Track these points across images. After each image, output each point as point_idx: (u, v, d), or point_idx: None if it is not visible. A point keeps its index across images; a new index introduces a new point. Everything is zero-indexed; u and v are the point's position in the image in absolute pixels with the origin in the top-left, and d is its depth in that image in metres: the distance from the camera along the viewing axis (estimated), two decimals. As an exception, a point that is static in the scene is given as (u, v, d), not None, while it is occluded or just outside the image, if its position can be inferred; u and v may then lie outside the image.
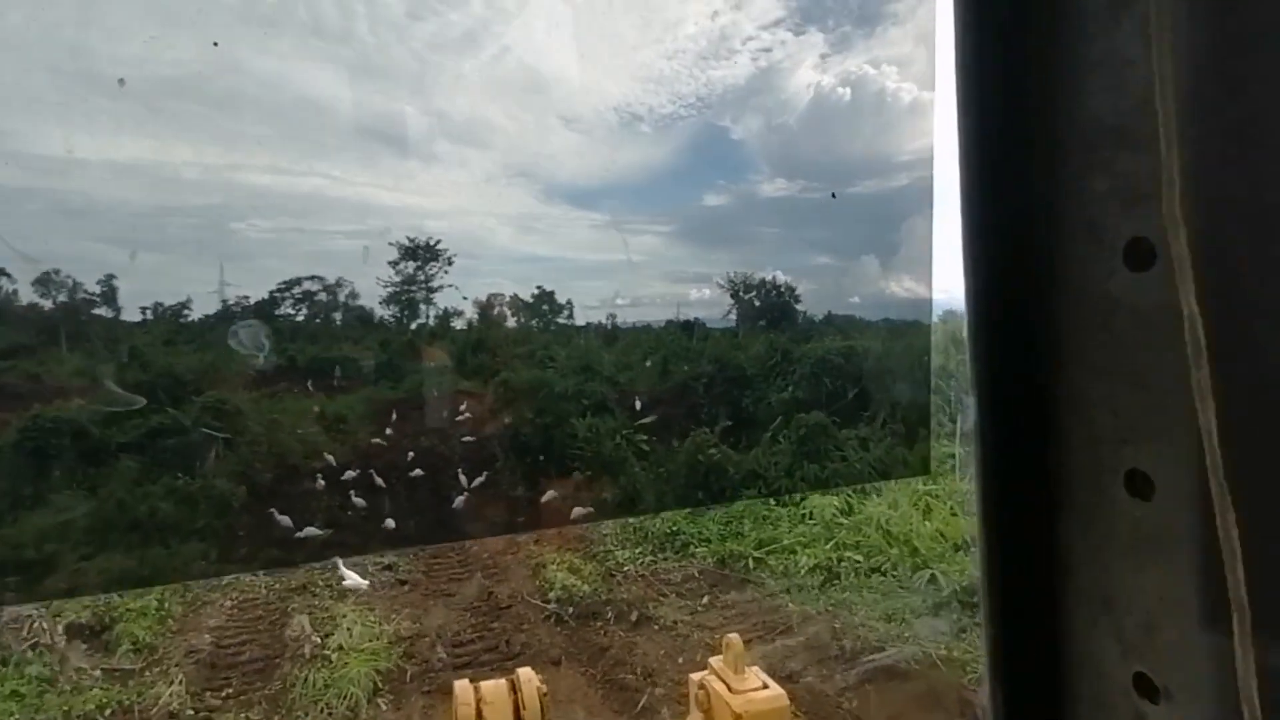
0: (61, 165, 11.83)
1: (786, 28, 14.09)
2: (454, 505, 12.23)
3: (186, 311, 16.53)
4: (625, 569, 9.32)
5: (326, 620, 7.94)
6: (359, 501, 12.44)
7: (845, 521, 9.13)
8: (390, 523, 10.86)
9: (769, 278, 17.16)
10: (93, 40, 10.36)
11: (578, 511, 10.60)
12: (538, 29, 13.34)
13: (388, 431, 16.78)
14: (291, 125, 13.20)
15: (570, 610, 7.92)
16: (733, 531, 9.79)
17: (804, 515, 9.67)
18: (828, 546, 8.70)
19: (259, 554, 10.00)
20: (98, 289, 15.01)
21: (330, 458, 14.32)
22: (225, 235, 14.91)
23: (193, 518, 10.92)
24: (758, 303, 18.04)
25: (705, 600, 8.16)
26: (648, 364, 17.79)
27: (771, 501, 10.29)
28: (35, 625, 6.69)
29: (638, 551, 9.73)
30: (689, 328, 18.47)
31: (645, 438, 13.09)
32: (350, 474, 13.98)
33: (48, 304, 14.59)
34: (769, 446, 11.56)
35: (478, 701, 1.61)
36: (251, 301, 17.80)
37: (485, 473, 13.88)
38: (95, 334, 14.64)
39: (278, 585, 9.10)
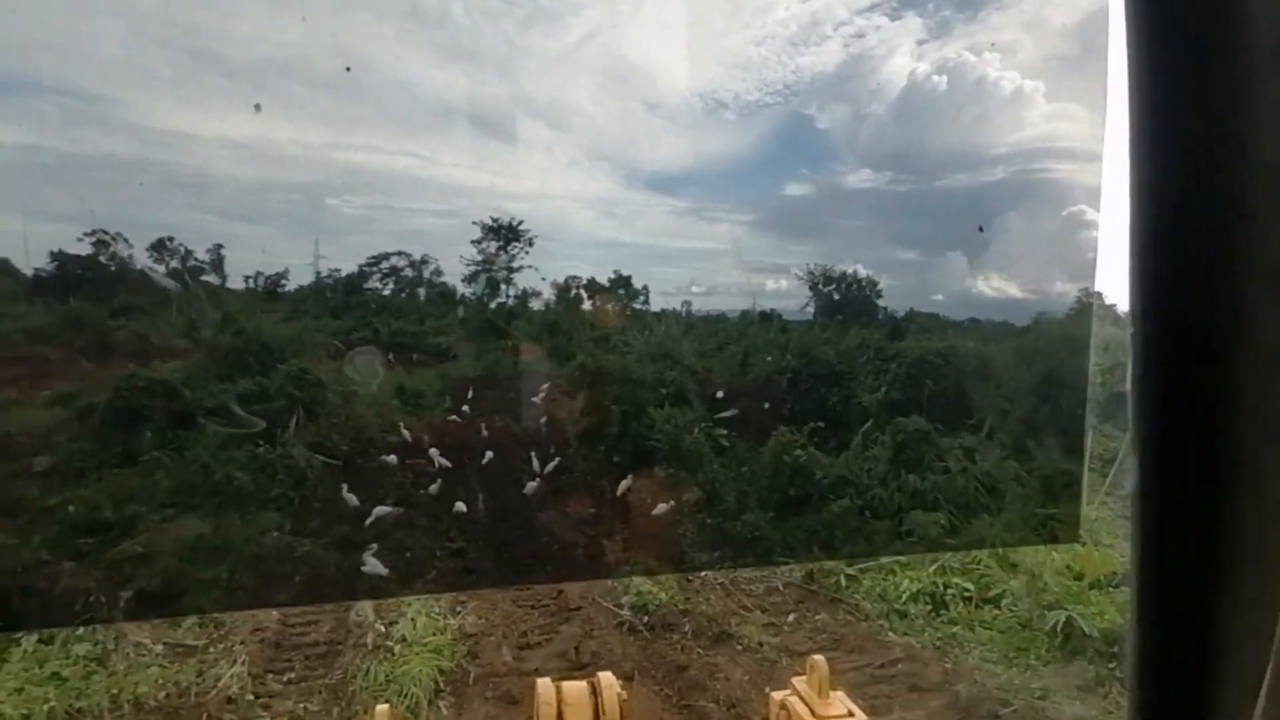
0: (176, 139, 12.56)
1: (882, 12, 13.45)
2: (525, 490, 11.76)
3: (284, 282, 17.67)
4: (703, 573, 8.57)
5: (391, 607, 7.51)
6: (430, 480, 12.14)
7: (951, 541, 8.10)
8: (461, 506, 10.42)
9: (850, 271, 16.69)
10: (207, 20, 10.62)
11: (661, 508, 9.89)
12: (625, 13, 13.37)
13: (464, 409, 16.55)
14: (386, 106, 13.44)
15: (645, 619, 7.24)
16: (820, 542, 8.90)
17: (902, 530, 8.69)
18: (931, 569, 7.72)
19: (330, 529, 9.72)
20: (206, 257, 16.29)
21: (406, 433, 14.13)
22: (321, 210, 15.78)
23: (269, 486, 10.79)
24: (837, 296, 17.55)
25: (791, 618, 7.33)
26: (727, 354, 16.97)
27: (866, 513, 9.33)
28: (92, 599, 6.45)
29: (715, 555, 8.97)
30: (766, 319, 18.23)
31: (724, 432, 12.28)
32: (424, 451, 13.77)
33: (161, 269, 15.59)
34: (861, 451, 10.55)
35: (559, 702, 1.55)
36: (342, 274, 19.25)
37: (558, 458, 13.40)
38: (200, 300, 15.14)
39: (345, 564, 8.77)
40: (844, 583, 7.93)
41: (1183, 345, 0.74)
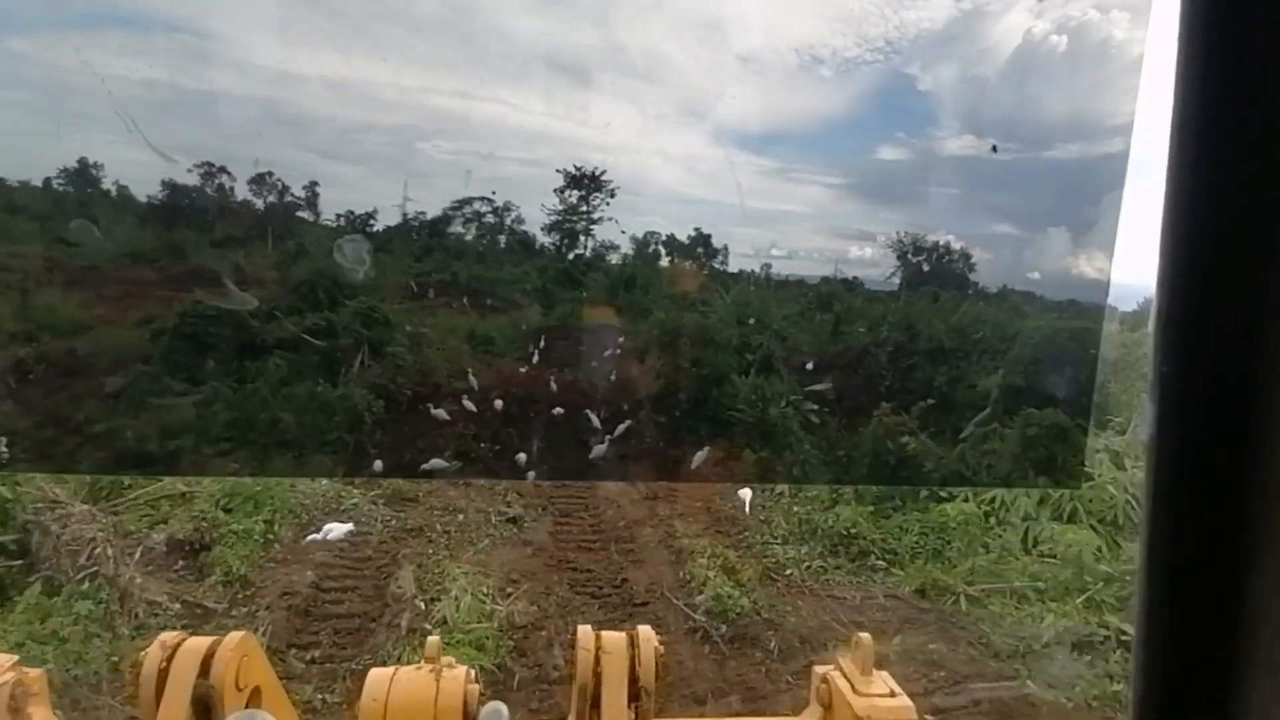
0: (279, 77, 12.47)
1: None
2: (592, 453, 10.63)
3: (372, 222, 17.77)
4: (788, 572, 7.22)
5: (435, 580, 6.49)
6: (492, 434, 11.16)
7: (1106, 569, 6.43)
8: (521, 456, 9.35)
9: (942, 242, 15.40)
10: None
11: (745, 494, 8.55)
12: None
13: (533, 359, 15.54)
14: (480, 52, 13.41)
15: (722, 629, 5.96)
16: (931, 548, 7.37)
17: (1039, 547, 7.06)
18: (1080, 601, 6.11)
19: (380, 482, 8.81)
20: (302, 194, 16.60)
21: (473, 379, 13.19)
22: (412, 154, 15.59)
23: (326, 427, 10.00)
24: (926, 267, 16.22)
25: (898, 644, 5.91)
26: (815, 321, 15.31)
27: (990, 520, 7.71)
28: (98, 550, 5.61)
29: (804, 551, 7.58)
30: (849, 287, 16.86)
31: (815, 407, 10.75)
32: (490, 401, 12.82)
33: (259, 203, 15.87)
34: (979, 442, 8.86)
35: (598, 649, 1.41)
36: (428, 217, 19.57)
37: (629, 420, 12.20)
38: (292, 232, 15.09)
39: (394, 521, 7.82)
40: (964, 605, 6.41)
41: (1207, 350, 0.69)
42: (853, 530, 7.82)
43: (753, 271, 17.58)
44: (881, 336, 12.90)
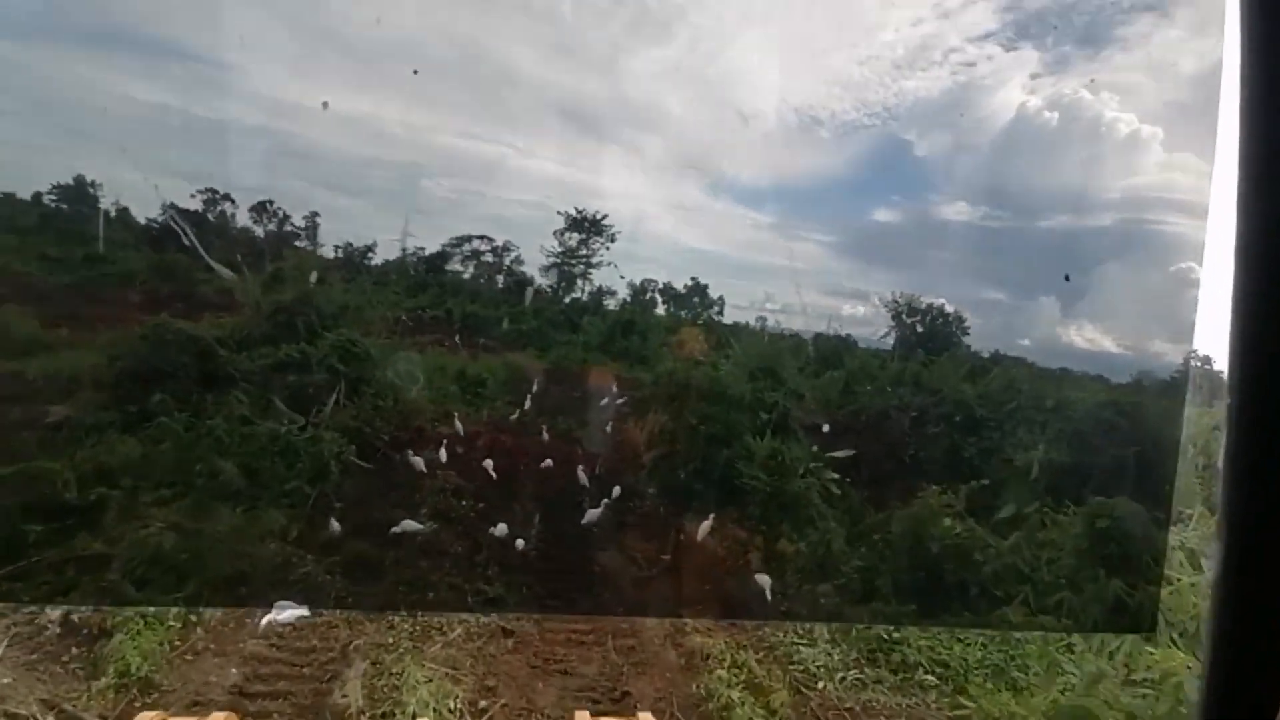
0: (291, 110, 12.83)
1: (997, 42, 12.43)
2: (585, 518, 9.31)
3: (370, 255, 18.17)
4: (821, 686, 5.87)
5: (391, 685, 5.11)
6: (475, 490, 9.81)
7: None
8: (502, 528, 7.99)
9: (936, 304, 15.53)
10: (332, 1, 10.97)
11: (762, 580, 7.24)
12: (730, 22, 12.90)
13: (525, 405, 14.27)
14: (486, 95, 13.69)
15: (752, 774, 4.62)
16: (994, 665, 6.06)
17: (1143, 679, 5.77)
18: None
19: (343, 546, 7.43)
20: (302, 223, 16.87)
21: (459, 425, 11.88)
22: (415, 190, 15.93)
23: (285, 476, 8.63)
24: (920, 329, 16.28)
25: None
26: (826, 379, 14.20)
27: (1060, 630, 6.42)
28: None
29: (837, 659, 6.25)
30: (844, 343, 16.37)
31: (835, 476, 9.51)
32: (475, 450, 11.49)
33: (259, 230, 16.08)
34: (1032, 532, 7.60)
35: None
36: (426, 253, 19.49)
37: (629, 479, 10.90)
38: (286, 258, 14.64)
39: (350, 598, 6.45)
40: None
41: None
42: (894, 634, 6.51)
43: (748, 324, 17.43)
44: (904, 400, 11.75)
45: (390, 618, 6.18)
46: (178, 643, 5.28)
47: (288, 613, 5.78)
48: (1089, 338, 12.41)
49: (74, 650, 5.14)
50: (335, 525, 7.48)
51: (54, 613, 5.49)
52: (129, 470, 8.28)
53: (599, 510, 9.11)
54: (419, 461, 9.58)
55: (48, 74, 12.42)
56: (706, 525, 8.74)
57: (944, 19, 12.55)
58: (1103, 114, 12.73)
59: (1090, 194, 12.88)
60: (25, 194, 15.36)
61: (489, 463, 10.20)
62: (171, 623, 5.32)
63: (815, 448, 9.94)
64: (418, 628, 6.11)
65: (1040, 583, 6.86)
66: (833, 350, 17.24)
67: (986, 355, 14.57)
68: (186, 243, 13.33)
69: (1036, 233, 13.66)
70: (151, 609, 5.23)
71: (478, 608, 6.49)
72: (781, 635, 6.66)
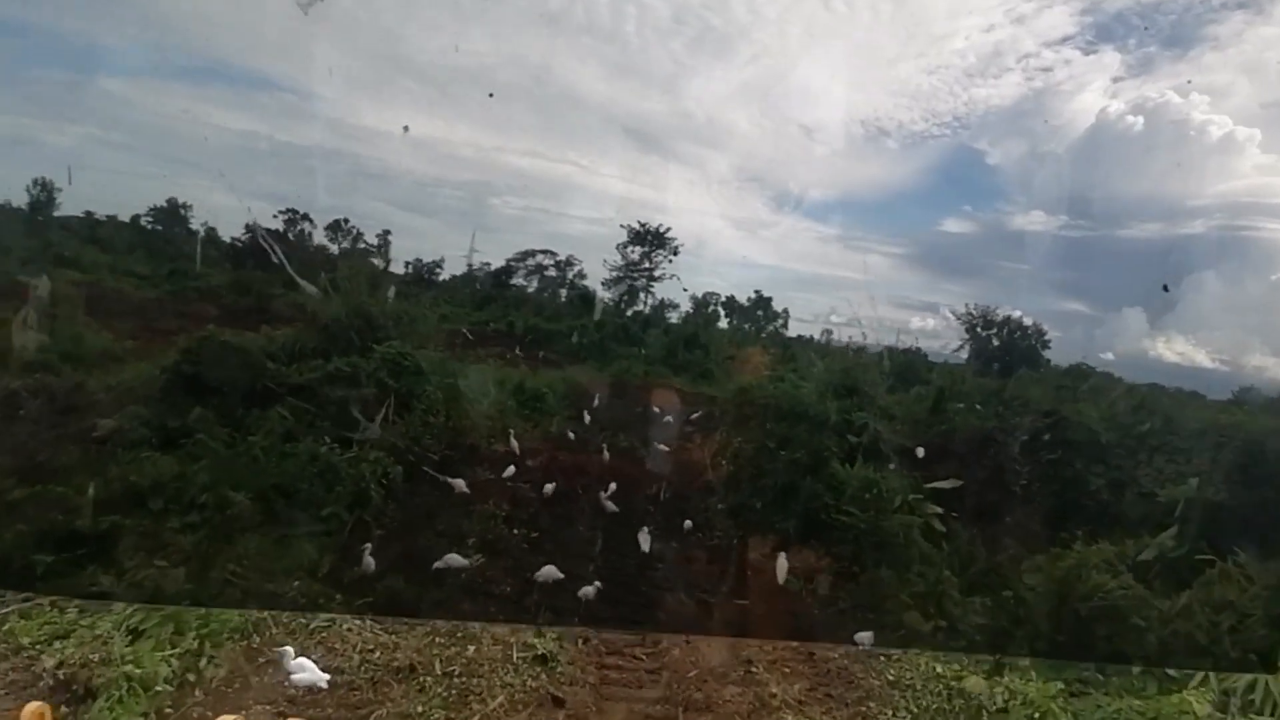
0: (368, 134, 14.04)
1: (1075, 45, 12.46)
2: (646, 549, 8.15)
3: (438, 270, 18.87)
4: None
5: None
6: (529, 518, 8.78)
7: None
8: (552, 573, 6.88)
9: (1013, 316, 14.82)
10: (409, 30, 11.31)
11: (865, 639, 5.91)
12: (794, 36, 13.68)
13: (585, 420, 13.26)
14: (553, 116, 14.63)
15: None
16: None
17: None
18: None
19: (376, 585, 6.47)
20: (375, 241, 17.56)
21: (515, 443, 10.93)
22: (483, 209, 16.96)
23: (323, 499, 7.78)
24: (996, 342, 15.45)
25: None
26: (913, 395, 12.72)
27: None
28: None
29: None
30: (914, 357, 15.73)
31: (938, 511, 8.06)
32: (529, 471, 10.50)
33: (334, 248, 16.74)
34: (1207, 590, 5.98)
35: None
36: (492, 268, 20.02)
37: (698, 507, 9.68)
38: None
39: (377, 653, 5.45)
40: None
41: None
42: (1031, 706, 5.10)
43: (813, 337, 17.07)
44: (1008, 420, 10.16)
45: (422, 679, 5.15)
46: (168, 710, 4.37)
47: (305, 674, 4.81)
48: (1179, 351, 11.62)
49: (63, 709, 4.30)
50: (369, 560, 6.52)
51: (48, 661, 4.70)
52: (160, 491, 7.60)
53: (665, 542, 7.95)
54: (460, 484, 8.63)
55: (145, 105, 13.97)
56: (782, 564, 7.44)
57: (1018, 24, 12.55)
58: (1192, 116, 12.53)
59: (1180, 200, 12.84)
60: (125, 217, 16.82)
61: (550, 487, 9.19)
62: (163, 686, 4.42)
63: (912, 476, 8.54)
64: (453, 692, 5.05)
65: (1223, 656, 5.29)
66: (908, 365, 15.80)
67: (1065, 369, 13.43)
68: (275, 260, 13.45)
69: (1120, 241, 13.40)
70: (139, 670, 4.36)
71: (523, 668, 5.39)
72: (889, 712, 5.33)
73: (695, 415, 12.52)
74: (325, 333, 11.28)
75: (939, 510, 7.99)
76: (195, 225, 17.76)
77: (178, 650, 4.69)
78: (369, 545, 6.72)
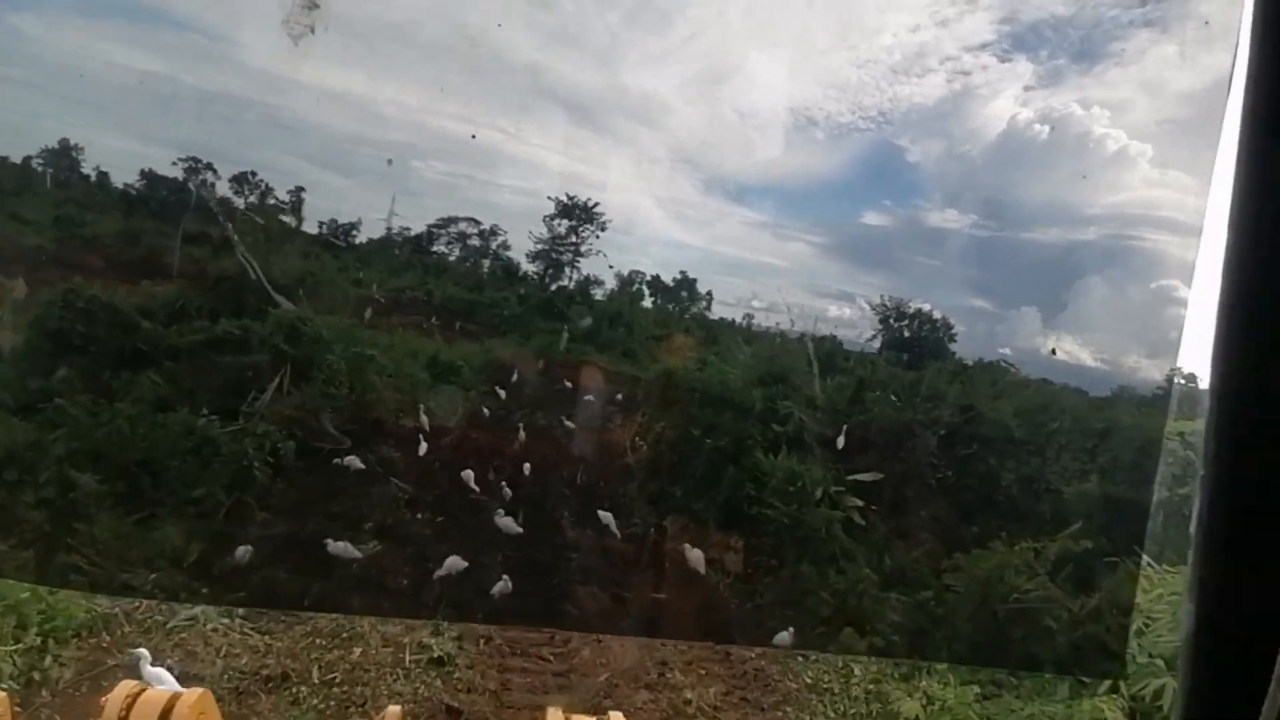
0: (283, 84, 12.54)
1: (992, 52, 12.33)
2: (566, 536, 7.68)
3: (355, 232, 17.70)
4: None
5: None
6: (435, 499, 8.13)
7: None
8: (456, 564, 6.30)
9: (924, 309, 15.38)
10: None
11: (784, 638, 5.64)
12: (730, 18, 12.81)
13: (500, 394, 12.58)
14: (483, 79, 13.54)
15: None
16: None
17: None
18: None
19: (250, 576, 5.72)
20: (287, 198, 16.51)
21: (425, 418, 10.16)
22: (405, 171, 15.68)
23: (191, 481, 6.87)
24: (907, 334, 16.11)
25: None
26: (834, 384, 12.65)
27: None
28: None
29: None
30: (827, 344, 16.31)
31: (859, 504, 7.95)
32: (439, 449, 9.80)
33: (240, 202, 15.67)
34: (1117, 592, 6.03)
35: None
36: (412, 234, 18.98)
37: (619, 494, 9.27)
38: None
39: (245, 657, 4.75)
40: None
41: (1263, 436, 0.67)
42: (940, 703, 4.97)
43: (734, 321, 17.36)
44: (930, 415, 10.23)
45: (296, 689, 4.50)
46: (18, 710, 3.59)
47: (164, 687, 4.08)
48: (1067, 350, 11.98)
49: None
50: (244, 548, 5.74)
51: None
52: (15, 461, 6.56)
53: (584, 529, 7.49)
54: (355, 461, 7.90)
55: (42, 39, 12.15)
56: (698, 555, 7.08)
57: (941, 27, 12.42)
58: (1092, 129, 12.56)
59: (1078, 208, 12.94)
60: (17, 158, 15.16)
61: (469, 474, 8.52)
62: (8, 684, 3.63)
63: (835, 468, 8.39)
64: (331, 703, 4.44)
65: (1135, 665, 5.31)
66: (828, 353, 16.00)
67: (970, 363, 14.20)
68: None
69: (1023, 243, 13.73)
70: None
71: (416, 672, 4.83)
72: (795, 687, 5.09)
73: (618, 396, 12.08)
74: (214, 291, 10.17)
75: (859, 503, 7.86)
76: (88, 169, 16.04)
77: (20, 646, 3.88)
78: (246, 531, 5.89)
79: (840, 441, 9.59)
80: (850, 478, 8.15)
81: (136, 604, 4.93)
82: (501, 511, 7.52)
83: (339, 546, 6.15)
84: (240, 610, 5.18)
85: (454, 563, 6.25)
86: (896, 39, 12.78)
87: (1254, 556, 0.69)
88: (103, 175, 16.76)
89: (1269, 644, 0.64)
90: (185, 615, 5.00)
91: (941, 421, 9.94)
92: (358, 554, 6.21)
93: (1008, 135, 13.73)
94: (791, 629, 5.81)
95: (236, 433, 7.65)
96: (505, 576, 6.12)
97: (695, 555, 7.16)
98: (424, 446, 9.39)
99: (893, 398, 11.37)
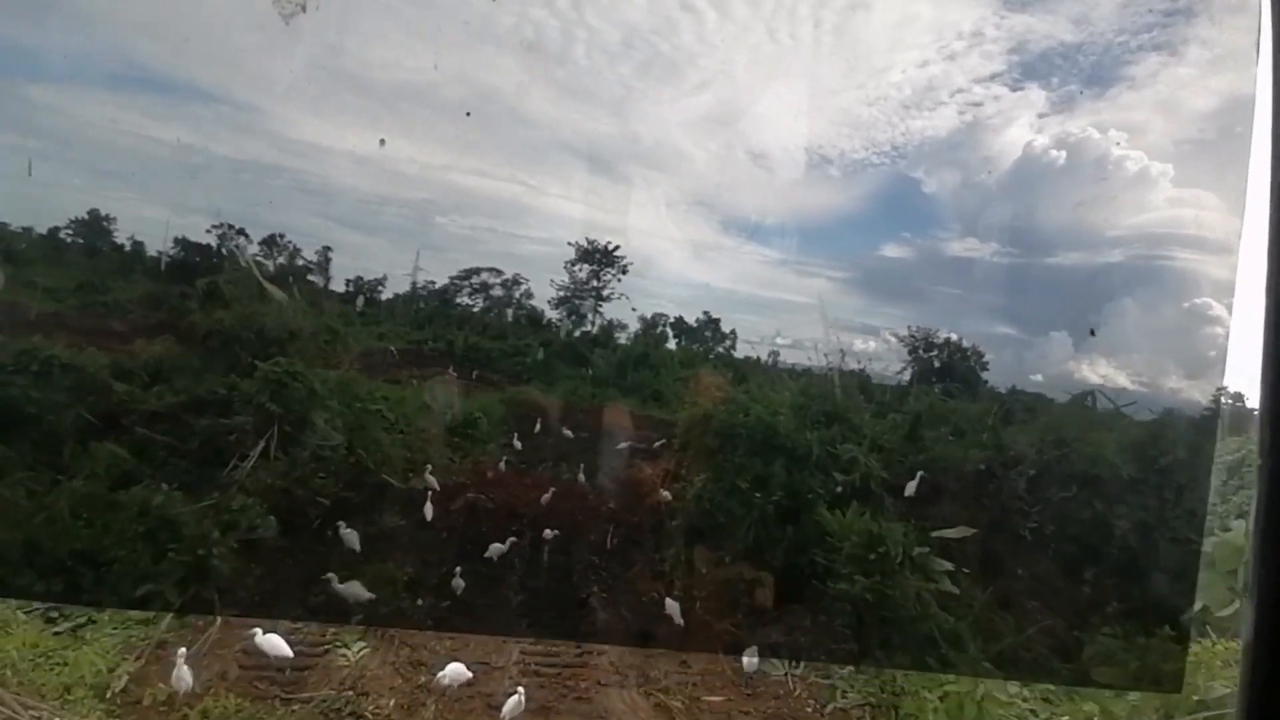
0: (310, 149, 13.16)
1: (1002, 82, 12.64)
2: (588, 605, 6.21)
3: (380, 288, 18.21)
4: None
5: None
6: (438, 583, 6.72)
7: None
8: (459, 673, 4.86)
9: (952, 339, 15.30)
10: (351, 43, 10.66)
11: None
12: (740, 64, 13.14)
13: (516, 445, 11.24)
14: (502, 135, 13.93)
15: None
16: None
17: None
18: None
19: (189, 711, 4.33)
20: (314, 257, 16.97)
21: (431, 478, 8.81)
22: (429, 227, 16.46)
23: (136, 578, 5.54)
24: (937, 364, 15.86)
25: None
26: (888, 422, 11.12)
27: None
28: None
29: None
30: (856, 379, 16.16)
31: (947, 568, 6.38)
32: (450, 514, 8.45)
33: (270, 263, 16.19)
34: None
35: None
36: (436, 286, 19.46)
37: (652, 555, 7.78)
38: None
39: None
40: None
41: None
42: None
43: (759, 358, 17.54)
44: (1008, 451, 8.66)
45: None
46: None
47: None
48: (1103, 374, 11.57)
49: None
50: (183, 672, 4.36)
51: None
52: None
53: (604, 601, 6.03)
54: (350, 536, 6.58)
55: (68, 112, 12.57)
56: (750, 660, 5.47)
57: (950, 60, 12.59)
58: (1110, 152, 12.61)
59: (1100, 230, 12.66)
60: (43, 229, 15.82)
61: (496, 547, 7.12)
62: None
63: (911, 523, 6.86)
64: None
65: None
66: (863, 388, 14.90)
67: (1003, 391, 13.93)
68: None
69: (1046, 268, 13.67)
70: None
71: None
72: None
73: (656, 444, 10.75)
74: (203, 348, 9.09)
75: (949, 566, 6.31)
76: (121, 239, 16.43)
77: None
78: (183, 651, 4.51)
79: (910, 489, 8.09)
80: (935, 534, 6.61)
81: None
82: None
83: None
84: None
85: (457, 672, 4.83)
86: (905, 75, 12.93)
87: None
88: (138, 244, 17.48)
89: None
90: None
91: (1027, 460, 8.37)
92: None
93: (1024, 161, 13.79)
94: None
95: (206, 509, 6.40)
96: (520, 690, 4.67)
97: (748, 661, 5.51)
98: (430, 511, 8.06)
99: (950, 436, 9.88)
